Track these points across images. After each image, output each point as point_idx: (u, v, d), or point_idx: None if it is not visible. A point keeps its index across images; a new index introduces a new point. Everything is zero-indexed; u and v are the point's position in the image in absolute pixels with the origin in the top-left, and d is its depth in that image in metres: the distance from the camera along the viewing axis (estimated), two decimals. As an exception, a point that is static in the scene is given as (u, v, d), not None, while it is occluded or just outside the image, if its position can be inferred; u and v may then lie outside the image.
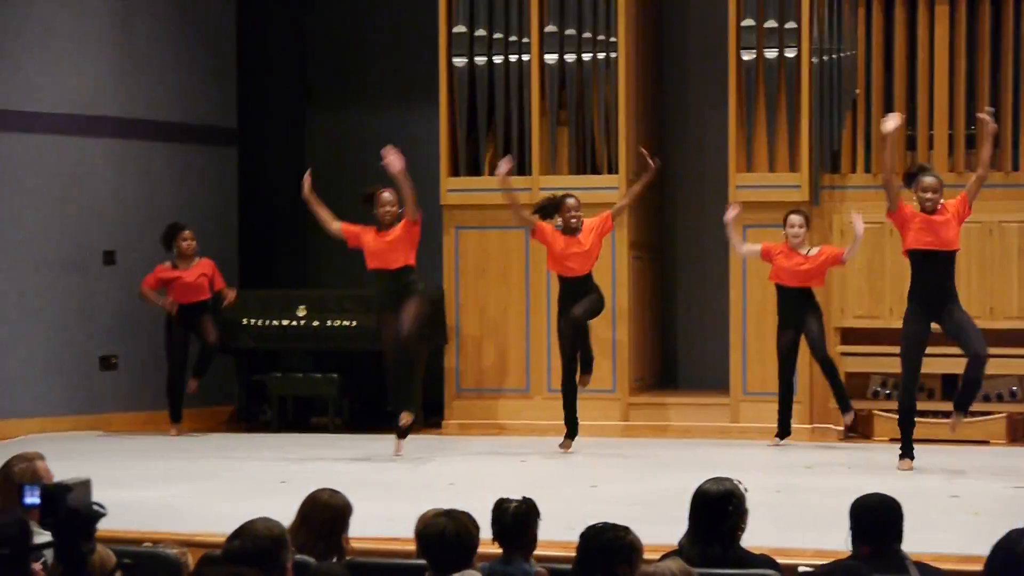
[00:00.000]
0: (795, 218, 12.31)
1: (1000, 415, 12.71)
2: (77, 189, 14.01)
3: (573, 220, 12.20)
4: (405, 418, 11.92)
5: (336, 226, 12.15)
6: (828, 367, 12.21)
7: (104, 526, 4.15)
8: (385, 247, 11.91)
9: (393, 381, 12.09)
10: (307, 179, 12.15)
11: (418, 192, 14.50)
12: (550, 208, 12.33)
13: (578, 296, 12.16)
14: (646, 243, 14.21)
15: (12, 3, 13.72)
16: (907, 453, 11.23)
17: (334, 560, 6.09)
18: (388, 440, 12.20)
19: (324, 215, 12.21)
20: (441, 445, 12.71)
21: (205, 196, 14.85)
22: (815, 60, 13.19)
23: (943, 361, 12.65)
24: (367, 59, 15.70)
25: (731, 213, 12.49)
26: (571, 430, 12.32)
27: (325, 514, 6.21)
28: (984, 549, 5.20)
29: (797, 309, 12.21)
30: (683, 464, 11.02)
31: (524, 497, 6.10)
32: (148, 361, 13.96)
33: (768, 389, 12.83)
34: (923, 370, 12.73)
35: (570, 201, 12.26)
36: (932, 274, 11.12)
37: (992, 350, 12.66)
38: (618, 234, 13.11)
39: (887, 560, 5.97)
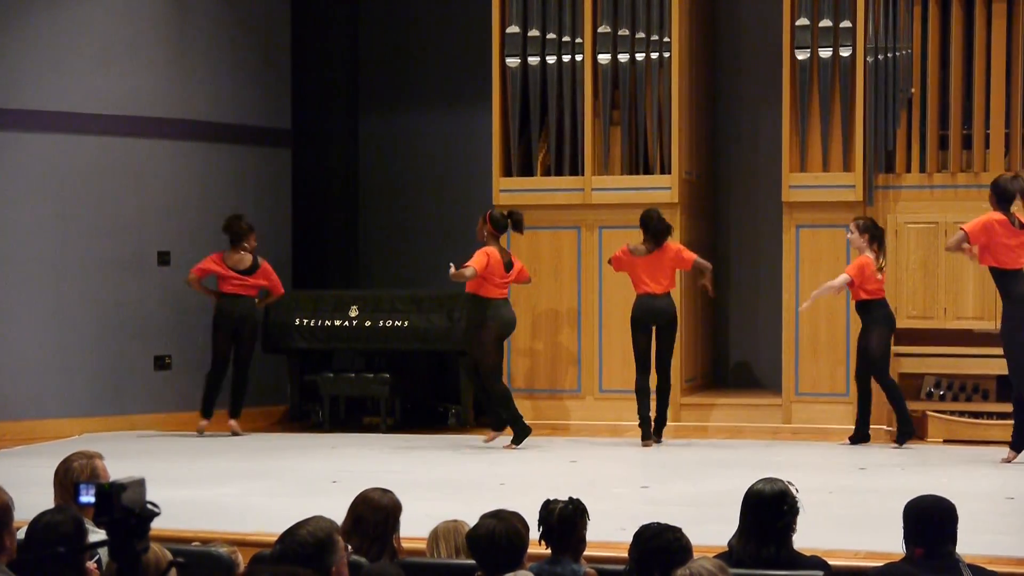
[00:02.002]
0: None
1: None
2: (133, 190, 14.11)
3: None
4: None
5: None
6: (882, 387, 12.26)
7: (158, 525, 4.17)
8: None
9: None
10: None
11: (470, 192, 14.65)
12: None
13: None
14: (699, 243, 14.17)
15: (69, 8, 13.83)
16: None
17: (386, 560, 6.12)
18: (438, 439, 12.30)
19: None
20: (492, 445, 12.72)
21: (259, 197, 14.92)
22: (870, 59, 13.16)
23: (995, 362, 12.62)
24: (420, 60, 15.75)
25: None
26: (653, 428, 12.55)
27: (377, 515, 6.23)
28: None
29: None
30: (733, 465, 11.02)
31: (571, 498, 6.11)
32: (202, 361, 14.02)
33: (820, 390, 12.83)
34: (979, 371, 12.79)
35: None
36: None
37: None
38: (673, 234, 13.08)
39: (940, 562, 5.97)
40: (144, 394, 14.16)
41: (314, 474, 10.92)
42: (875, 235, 12.26)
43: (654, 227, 12.44)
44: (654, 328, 12.49)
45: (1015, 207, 11.33)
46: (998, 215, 11.26)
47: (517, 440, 12.30)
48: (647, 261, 12.43)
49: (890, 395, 12.31)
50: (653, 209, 12.59)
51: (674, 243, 12.71)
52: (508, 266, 12.45)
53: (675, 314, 12.60)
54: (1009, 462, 11.23)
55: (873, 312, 12.23)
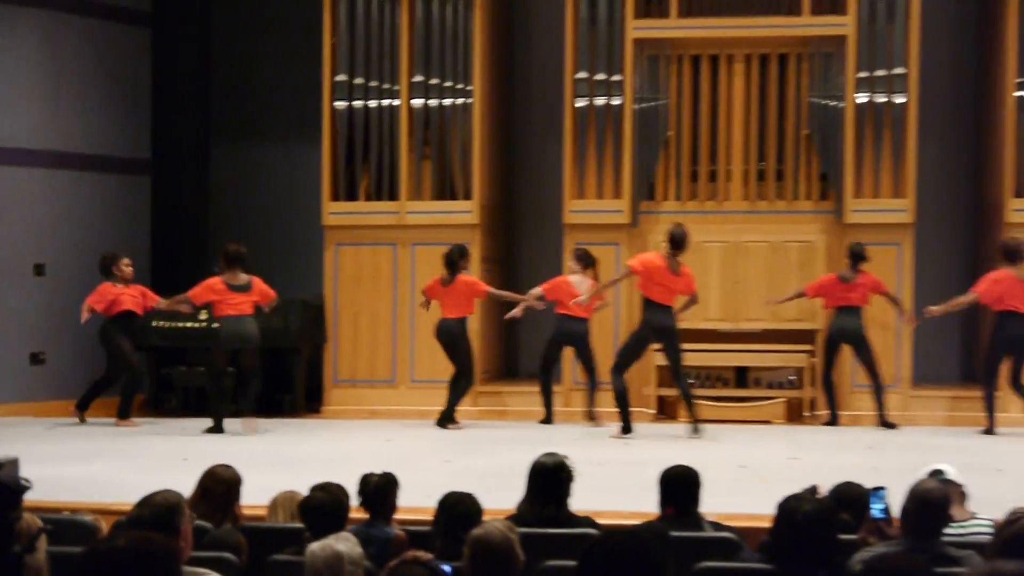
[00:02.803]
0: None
1: (780, 400, 12.96)
2: (13, 211, 13.80)
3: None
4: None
5: None
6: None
7: (30, 497, 4.11)
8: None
9: None
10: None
11: (305, 213, 14.55)
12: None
13: None
14: (495, 257, 14.30)
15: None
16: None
17: (229, 526, 6.09)
18: (275, 422, 12.21)
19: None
20: (320, 427, 12.68)
21: (123, 218, 14.68)
22: (636, 107, 13.36)
23: (734, 356, 12.91)
24: (263, 101, 15.61)
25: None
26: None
27: (221, 487, 6.20)
28: (766, 509, 5.30)
29: None
30: (521, 442, 11.00)
31: (385, 471, 6.14)
32: (72, 357, 13.78)
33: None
34: (721, 363, 13.06)
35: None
36: None
37: (773, 346, 13.05)
38: (474, 251, 13.16)
39: (687, 520, 6.09)
40: (21, 386, 13.85)
41: (168, 453, 10.75)
42: (588, 263, 12.42)
43: (446, 263, 12.46)
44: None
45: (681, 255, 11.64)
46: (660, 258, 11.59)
47: (213, 431, 12.13)
48: (445, 291, 12.47)
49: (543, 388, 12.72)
50: (453, 246, 12.59)
51: (467, 277, 12.54)
52: (243, 288, 12.16)
53: (454, 334, 12.36)
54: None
55: (560, 322, 12.46)
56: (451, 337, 12.40)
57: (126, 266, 12.99)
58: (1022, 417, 12.48)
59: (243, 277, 12.21)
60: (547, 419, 12.67)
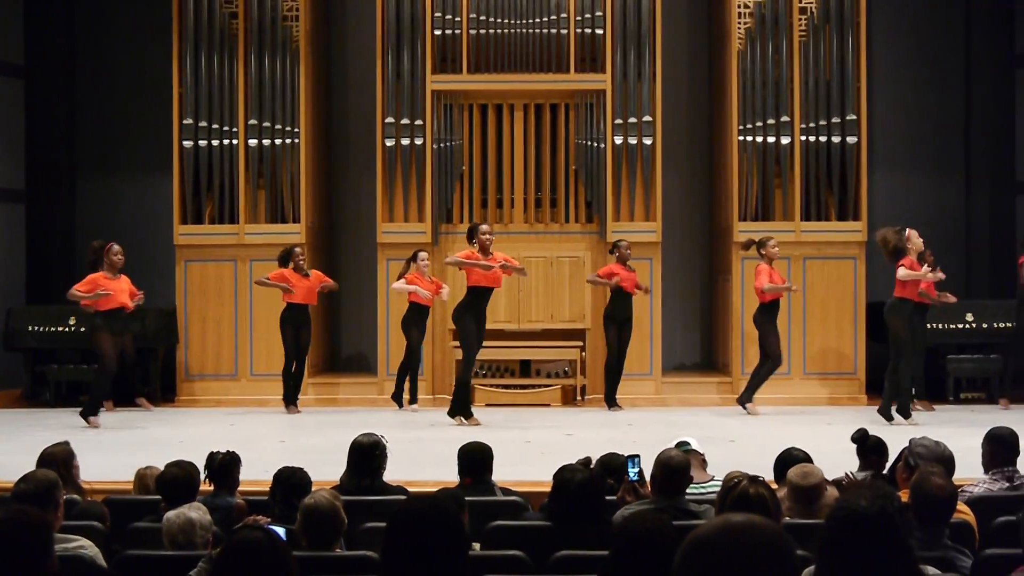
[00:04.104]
0: (422, 254, 12.51)
1: (557, 387, 13.11)
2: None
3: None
4: None
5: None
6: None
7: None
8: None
9: None
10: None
11: (159, 234, 14.20)
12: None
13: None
14: (322, 268, 14.14)
15: None
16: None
17: (89, 498, 5.94)
18: (136, 412, 11.92)
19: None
20: (174, 415, 12.41)
21: (2, 239, 14.14)
22: (436, 146, 13.38)
23: (518, 351, 13.00)
24: (122, 140, 15.16)
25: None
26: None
27: (56, 467, 6.02)
28: (546, 477, 5.38)
29: None
30: (343, 424, 10.91)
31: (229, 450, 6.05)
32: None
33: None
34: (508, 357, 13.15)
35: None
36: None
37: (550, 343, 13.20)
38: (308, 262, 12.99)
39: (482, 487, 6.14)
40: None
41: (42, 439, 10.25)
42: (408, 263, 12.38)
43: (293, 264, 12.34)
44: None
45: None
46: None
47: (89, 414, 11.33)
48: (305, 282, 12.39)
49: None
50: (289, 246, 12.52)
51: (317, 272, 12.66)
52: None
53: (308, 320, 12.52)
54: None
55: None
56: (308, 323, 12.41)
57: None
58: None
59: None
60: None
